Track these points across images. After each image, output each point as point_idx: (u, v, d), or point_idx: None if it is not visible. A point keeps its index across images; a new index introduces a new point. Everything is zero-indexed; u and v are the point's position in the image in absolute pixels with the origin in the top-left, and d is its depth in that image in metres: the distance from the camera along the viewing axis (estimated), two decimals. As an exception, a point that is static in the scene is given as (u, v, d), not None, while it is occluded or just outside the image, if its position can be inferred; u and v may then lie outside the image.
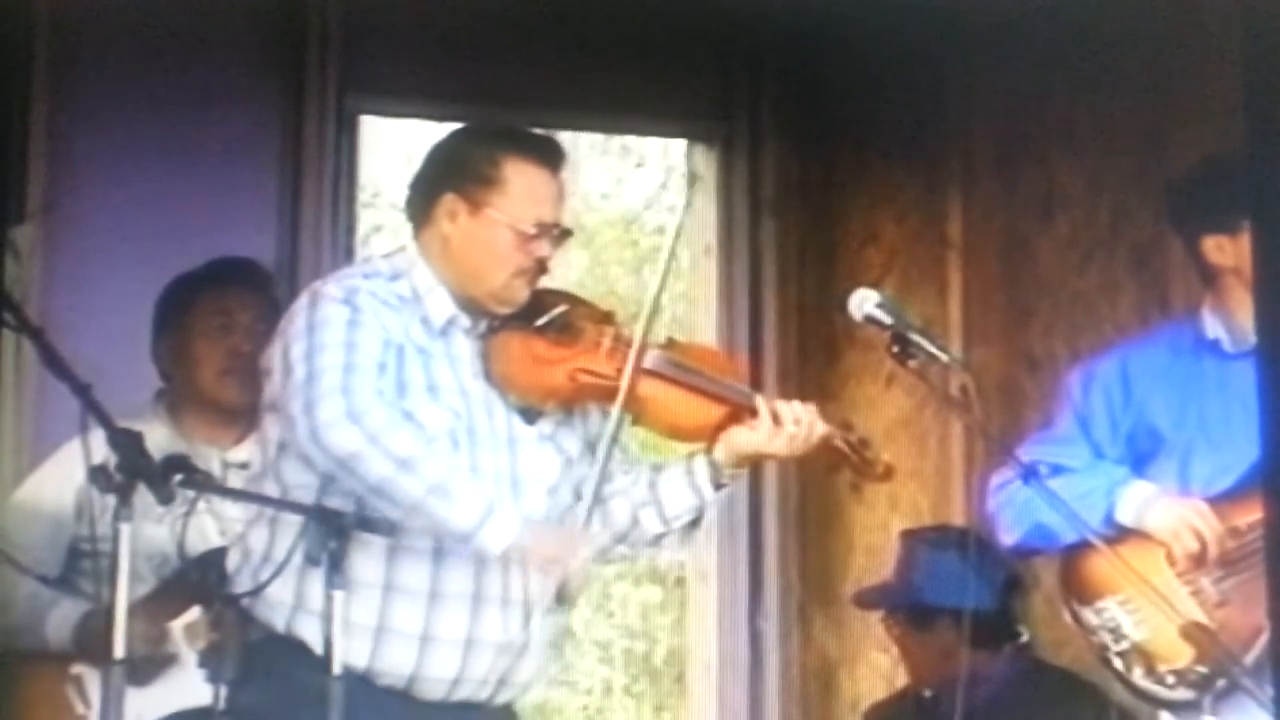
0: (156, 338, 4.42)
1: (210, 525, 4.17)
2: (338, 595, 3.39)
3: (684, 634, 6.80)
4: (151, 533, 4.08)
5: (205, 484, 3.70)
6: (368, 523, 3.45)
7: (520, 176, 3.70)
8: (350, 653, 3.54)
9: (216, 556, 4.13)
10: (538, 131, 3.87)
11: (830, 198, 6.18)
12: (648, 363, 3.70)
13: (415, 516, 3.50)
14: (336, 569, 3.40)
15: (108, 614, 4.01)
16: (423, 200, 3.76)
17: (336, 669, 3.38)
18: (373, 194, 9.09)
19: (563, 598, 3.64)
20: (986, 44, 5.37)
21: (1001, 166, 5.60)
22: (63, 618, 4.14)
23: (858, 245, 6.05)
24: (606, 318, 3.79)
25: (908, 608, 4.78)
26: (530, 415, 3.72)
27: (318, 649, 3.52)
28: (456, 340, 3.70)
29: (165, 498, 3.45)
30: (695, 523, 3.79)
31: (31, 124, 5.33)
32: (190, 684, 4.05)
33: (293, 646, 3.56)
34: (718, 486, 3.75)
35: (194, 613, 4.10)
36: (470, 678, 3.63)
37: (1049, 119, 5.40)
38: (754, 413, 3.70)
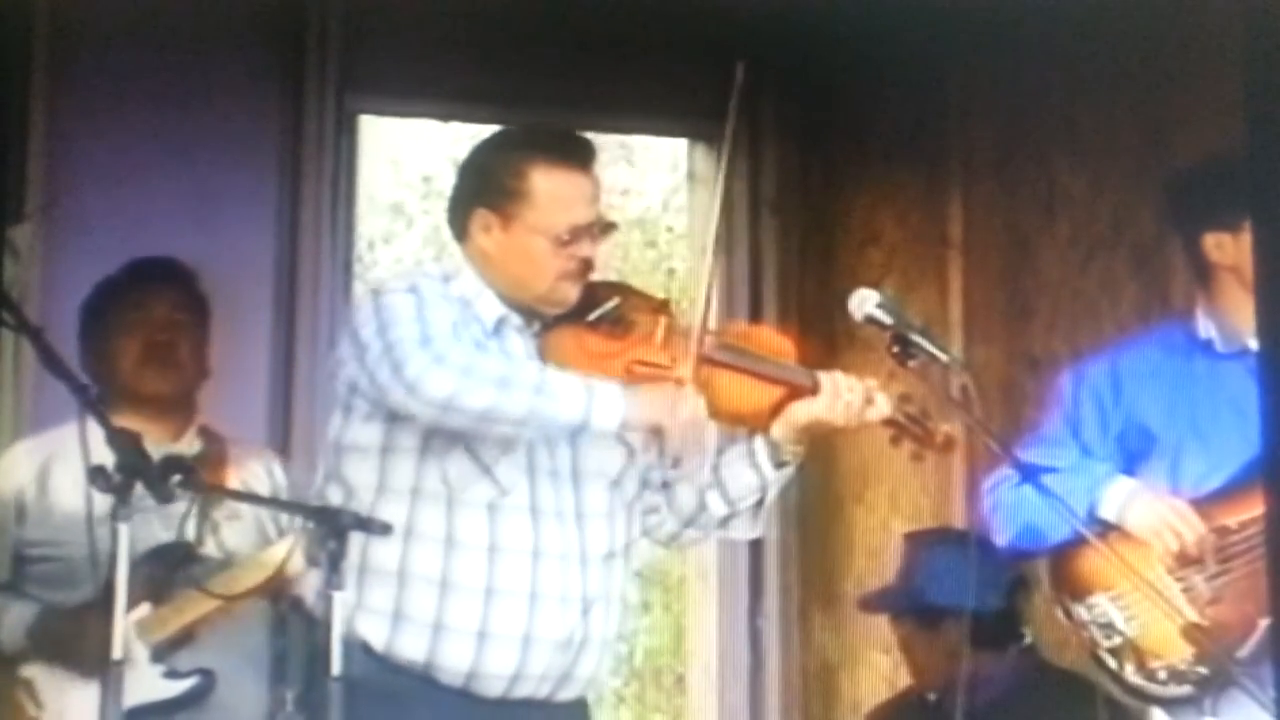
0: (81, 345, 4.39)
1: (155, 520, 4.15)
2: (336, 596, 3.39)
3: (684, 634, 6.80)
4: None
5: (203, 485, 3.69)
6: (365, 523, 3.46)
7: (547, 183, 3.71)
8: (408, 649, 3.62)
9: (164, 551, 4.13)
10: (561, 131, 3.87)
11: (830, 197, 6.17)
12: (704, 349, 3.71)
13: (528, 425, 3.56)
14: (336, 569, 3.40)
15: (67, 614, 4.06)
16: (458, 215, 3.80)
17: (335, 669, 3.38)
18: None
19: (676, 458, 3.70)
20: (986, 44, 5.36)
21: (1002, 166, 5.60)
22: (16, 618, 4.12)
23: (858, 245, 6.05)
24: (661, 307, 3.79)
25: (913, 610, 4.77)
26: None
27: (378, 647, 3.60)
28: (510, 338, 3.73)
29: (164, 497, 3.45)
30: (760, 503, 3.81)
31: (31, 124, 5.33)
32: (144, 679, 4.05)
33: (354, 646, 3.55)
34: (778, 465, 3.77)
35: (144, 608, 4.09)
36: (530, 674, 3.65)
37: (1049, 119, 5.39)
38: (813, 391, 3.71)
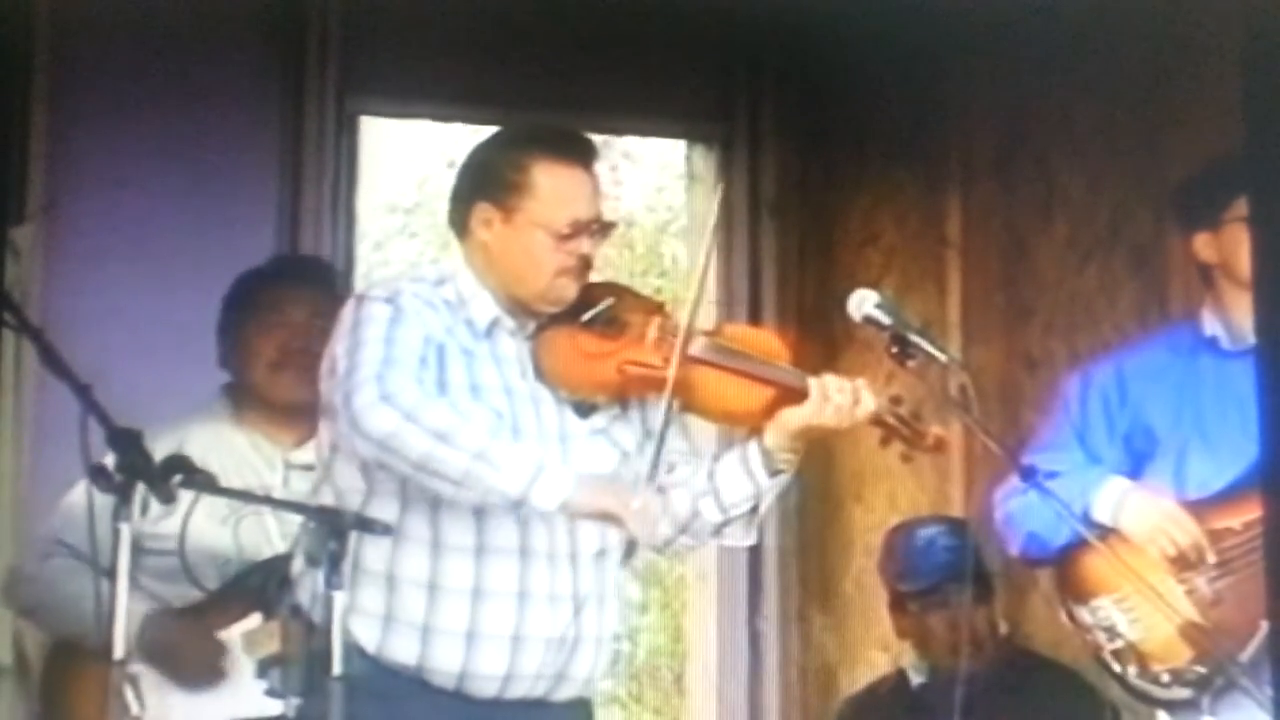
0: (220, 336, 4.40)
1: (273, 527, 4.15)
2: (337, 595, 3.39)
3: (683, 634, 6.81)
4: (216, 533, 4.10)
5: (205, 484, 3.68)
6: (367, 523, 3.46)
7: (549, 177, 3.72)
8: (399, 651, 3.63)
9: (279, 563, 4.09)
10: (565, 129, 3.89)
11: (830, 198, 6.18)
12: (695, 350, 3.70)
13: (465, 487, 3.52)
14: (336, 569, 3.40)
15: (172, 619, 4.06)
16: (459, 211, 3.80)
17: (336, 668, 3.38)
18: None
19: (629, 548, 3.69)
20: (986, 44, 5.37)
21: (1001, 166, 5.60)
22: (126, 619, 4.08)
23: (857, 245, 6.05)
24: (656, 308, 3.80)
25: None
26: (583, 410, 3.74)
27: (370, 649, 3.61)
28: (501, 341, 3.73)
29: (165, 498, 3.45)
30: (754, 510, 3.78)
31: (31, 124, 5.33)
32: (247, 694, 4.01)
33: (348, 647, 3.52)
34: (773, 473, 3.74)
35: (254, 620, 4.03)
36: (522, 674, 3.65)
37: (1049, 119, 5.40)
38: (803, 393, 3.69)
